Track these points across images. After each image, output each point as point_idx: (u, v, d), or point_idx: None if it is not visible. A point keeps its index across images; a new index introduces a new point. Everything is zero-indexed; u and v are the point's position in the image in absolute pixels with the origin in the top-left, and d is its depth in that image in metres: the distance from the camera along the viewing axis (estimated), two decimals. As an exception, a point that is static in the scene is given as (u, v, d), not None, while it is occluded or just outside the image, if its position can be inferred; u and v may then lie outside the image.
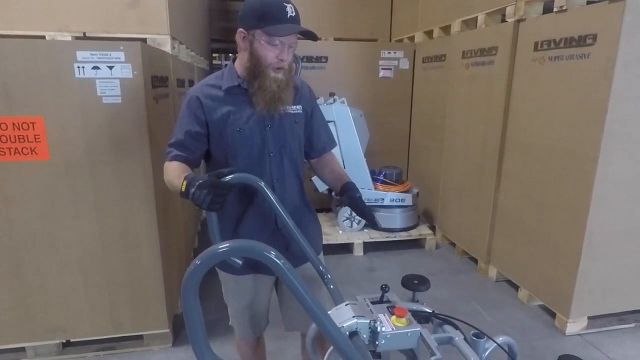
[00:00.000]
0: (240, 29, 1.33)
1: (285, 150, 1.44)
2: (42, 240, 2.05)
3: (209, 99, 1.38)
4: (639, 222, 2.41)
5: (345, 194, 1.45)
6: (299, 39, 1.34)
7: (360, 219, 3.80)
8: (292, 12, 1.28)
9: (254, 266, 1.44)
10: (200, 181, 1.16)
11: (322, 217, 4.05)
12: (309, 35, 1.32)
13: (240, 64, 1.39)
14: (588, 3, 2.35)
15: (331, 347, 1.02)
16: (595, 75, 2.22)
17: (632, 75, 2.14)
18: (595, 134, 2.23)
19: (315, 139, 1.57)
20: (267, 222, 1.46)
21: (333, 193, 3.88)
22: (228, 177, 1.26)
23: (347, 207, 3.78)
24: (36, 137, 1.91)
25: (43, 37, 2.31)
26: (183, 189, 1.20)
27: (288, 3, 1.28)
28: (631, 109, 2.19)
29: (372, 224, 1.42)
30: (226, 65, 1.51)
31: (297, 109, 1.46)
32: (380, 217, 3.77)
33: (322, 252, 1.63)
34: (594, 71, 2.22)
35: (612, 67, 2.11)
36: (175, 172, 1.33)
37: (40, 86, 1.88)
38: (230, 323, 1.68)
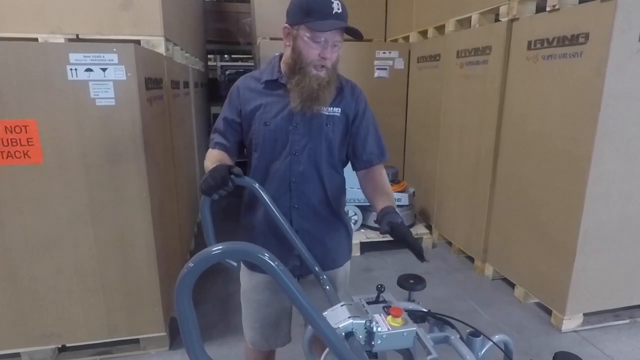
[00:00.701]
0: (285, 25, 1.31)
1: (309, 152, 1.39)
2: (36, 245, 2.03)
3: (247, 90, 1.41)
4: (632, 219, 2.42)
5: (384, 220, 1.23)
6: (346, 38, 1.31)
7: (356, 219, 3.81)
8: (338, 9, 1.24)
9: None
10: (214, 168, 1.22)
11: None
12: (354, 33, 1.27)
13: (283, 59, 1.38)
14: (580, 2, 2.36)
15: (327, 349, 1.02)
16: (588, 73, 2.23)
17: (624, 73, 2.15)
18: (589, 132, 2.24)
19: (359, 148, 1.45)
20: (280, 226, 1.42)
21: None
22: (235, 178, 1.25)
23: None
24: (29, 140, 1.90)
25: (35, 39, 2.29)
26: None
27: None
28: (623, 106, 2.21)
29: (418, 257, 1.14)
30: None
31: (333, 110, 1.39)
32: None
33: (349, 261, 1.59)
34: (586, 70, 2.24)
35: (604, 66, 2.12)
36: (212, 160, 1.37)
37: (32, 89, 1.86)
38: (244, 332, 1.62)
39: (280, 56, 1.41)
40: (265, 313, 1.54)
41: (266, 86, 1.39)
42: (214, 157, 1.40)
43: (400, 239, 1.17)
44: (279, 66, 1.39)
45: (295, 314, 1.58)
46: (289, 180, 1.40)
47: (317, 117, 1.37)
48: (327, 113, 1.38)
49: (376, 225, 3.98)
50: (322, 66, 1.29)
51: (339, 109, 1.40)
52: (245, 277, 1.54)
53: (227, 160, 1.41)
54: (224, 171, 1.21)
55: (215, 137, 1.46)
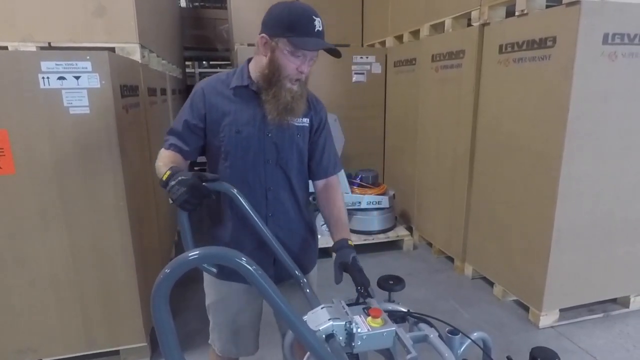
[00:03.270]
0: (263, 35, 1.29)
1: (281, 162, 1.40)
2: (9, 258, 1.98)
3: (213, 94, 1.37)
4: (602, 216, 2.51)
5: (336, 258, 1.31)
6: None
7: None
8: (319, 27, 1.26)
9: (239, 275, 1.36)
10: (183, 177, 1.16)
11: (300, 223, 4.04)
12: (334, 52, 1.31)
13: (255, 67, 1.36)
14: (547, 7, 2.45)
15: (308, 352, 1.02)
16: (556, 75, 2.31)
17: (590, 75, 2.24)
18: (558, 132, 2.31)
19: (317, 157, 1.50)
20: (256, 233, 1.41)
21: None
22: (211, 184, 1.24)
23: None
24: (0, 150, 1.85)
25: (5, 47, 2.24)
26: (164, 179, 1.20)
27: (317, 17, 1.27)
28: (591, 107, 2.29)
29: (362, 296, 1.18)
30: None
31: (303, 121, 1.42)
32: (358, 219, 3.80)
33: (315, 267, 1.60)
34: (555, 72, 2.32)
35: (571, 68, 2.20)
36: (164, 160, 1.32)
37: (3, 98, 1.82)
38: (209, 340, 1.60)
39: (250, 60, 1.41)
40: (236, 321, 1.53)
41: (235, 92, 1.37)
42: (167, 158, 1.34)
43: (351, 275, 1.26)
44: (248, 72, 1.38)
45: (263, 322, 1.60)
46: (265, 188, 1.40)
47: (288, 128, 1.38)
48: (297, 124, 1.40)
49: (360, 229, 3.97)
50: (297, 80, 1.31)
51: (307, 120, 1.44)
52: (212, 289, 1.51)
53: (181, 162, 1.36)
54: (196, 182, 1.17)
55: (171, 139, 1.39)
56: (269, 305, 0.77)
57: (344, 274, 1.29)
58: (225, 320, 1.53)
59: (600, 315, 2.70)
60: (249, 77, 1.37)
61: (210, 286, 1.51)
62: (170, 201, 1.18)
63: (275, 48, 1.27)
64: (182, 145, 1.38)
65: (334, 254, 1.35)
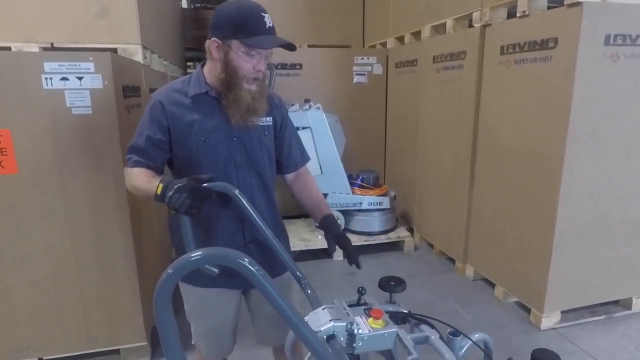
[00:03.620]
0: (214, 39, 1.27)
1: (252, 164, 1.41)
2: (10, 257, 1.99)
3: (173, 105, 1.33)
4: (604, 217, 2.50)
5: (328, 231, 1.39)
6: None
7: (339, 223, 3.82)
8: (270, 23, 1.26)
9: (219, 280, 1.30)
10: (179, 184, 1.16)
11: (300, 223, 4.05)
12: (289, 46, 1.29)
13: (209, 71, 1.34)
14: (549, 8, 2.45)
15: (309, 352, 1.02)
16: (558, 76, 2.31)
17: (592, 75, 2.23)
18: (560, 133, 2.31)
19: (286, 152, 1.53)
20: (236, 237, 1.42)
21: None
22: (211, 185, 1.25)
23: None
24: (2, 150, 1.86)
25: (8, 48, 2.25)
26: (159, 192, 1.19)
27: (265, 13, 1.26)
28: (592, 108, 2.28)
29: (355, 264, 1.32)
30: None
31: (267, 120, 1.43)
32: (359, 220, 3.80)
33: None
34: (556, 73, 2.31)
35: (573, 69, 2.20)
36: (142, 177, 1.30)
37: (6, 98, 1.83)
38: (193, 342, 1.60)
39: (203, 65, 1.39)
40: (217, 328, 1.54)
41: (194, 100, 1.34)
42: (144, 175, 1.31)
43: (342, 247, 1.36)
44: (205, 78, 1.35)
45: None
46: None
47: (254, 129, 1.38)
48: (262, 123, 1.41)
49: (361, 230, 3.98)
50: (255, 79, 1.30)
51: (271, 118, 1.45)
52: (192, 296, 1.50)
53: (159, 177, 1.33)
54: (195, 185, 1.17)
55: (134, 157, 1.34)
56: (271, 306, 0.76)
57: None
58: (205, 325, 1.54)
59: (602, 317, 2.69)
60: (206, 83, 1.35)
61: (188, 292, 1.51)
62: (173, 212, 1.17)
63: (228, 51, 1.26)
64: (148, 162, 1.35)
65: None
